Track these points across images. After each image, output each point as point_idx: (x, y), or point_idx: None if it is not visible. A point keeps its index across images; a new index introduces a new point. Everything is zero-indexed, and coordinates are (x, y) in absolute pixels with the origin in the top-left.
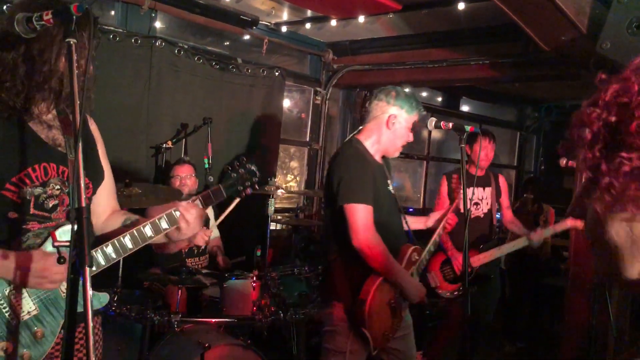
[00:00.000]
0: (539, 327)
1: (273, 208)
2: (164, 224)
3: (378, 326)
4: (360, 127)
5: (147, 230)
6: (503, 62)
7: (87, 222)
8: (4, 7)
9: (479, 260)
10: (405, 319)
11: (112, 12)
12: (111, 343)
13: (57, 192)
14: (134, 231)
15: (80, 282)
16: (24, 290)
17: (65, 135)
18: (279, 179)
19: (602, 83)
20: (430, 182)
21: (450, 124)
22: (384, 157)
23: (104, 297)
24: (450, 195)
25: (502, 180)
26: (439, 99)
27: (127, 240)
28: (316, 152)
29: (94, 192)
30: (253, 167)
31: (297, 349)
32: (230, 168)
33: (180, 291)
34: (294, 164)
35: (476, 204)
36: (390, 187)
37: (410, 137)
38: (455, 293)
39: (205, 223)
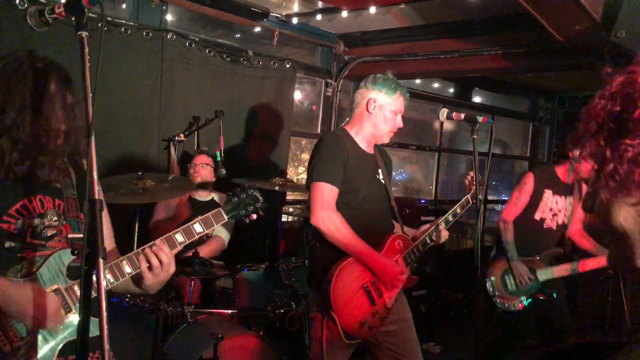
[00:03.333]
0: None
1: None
2: (127, 269)
3: (352, 312)
4: (347, 119)
5: (108, 277)
6: (516, 52)
7: (100, 215)
8: (16, 0)
9: (545, 275)
10: (397, 310)
11: (123, 6)
12: (125, 334)
13: (55, 223)
14: (112, 265)
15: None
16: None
17: (60, 173)
18: (290, 171)
19: (608, 76)
20: (442, 173)
21: (462, 115)
22: (378, 147)
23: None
24: (535, 196)
25: (584, 189)
26: (451, 90)
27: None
28: None
29: None
30: (256, 193)
31: (309, 339)
32: (231, 193)
33: (193, 282)
34: (305, 156)
35: (554, 214)
36: (381, 177)
37: (399, 123)
38: (514, 307)
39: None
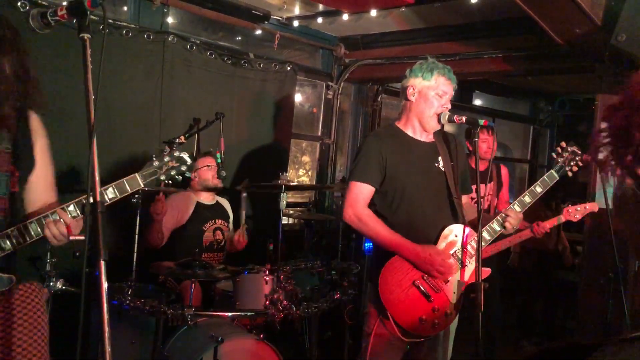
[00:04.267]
0: (553, 323)
1: (285, 202)
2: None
3: (407, 309)
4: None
5: (33, 226)
6: (516, 56)
7: (102, 217)
8: (18, 3)
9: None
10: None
11: (125, 8)
12: (125, 337)
13: None
14: (20, 226)
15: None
16: None
17: None
18: (290, 174)
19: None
20: None
21: (464, 118)
22: (442, 133)
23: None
24: None
25: (504, 172)
26: None
27: (13, 234)
28: (328, 147)
29: (24, 182)
30: (183, 155)
31: (310, 342)
32: (154, 156)
33: (193, 285)
34: (305, 158)
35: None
36: (440, 165)
37: (445, 103)
38: None
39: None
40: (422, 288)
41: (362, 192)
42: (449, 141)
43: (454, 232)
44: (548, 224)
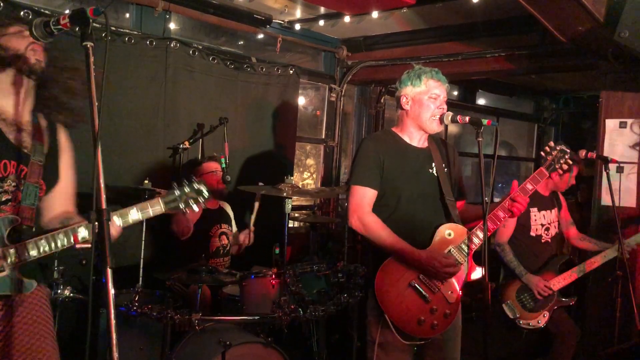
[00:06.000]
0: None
1: (290, 206)
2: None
3: (405, 311)
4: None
5: (61, 237)
6: (519, 54)
7: (108, 224)
8: (21, 12)
9: (558, 282)
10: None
11: (127, 15)
12: (133, 343)
13: (13, 189)
14: (49, 236)
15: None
16: None
17: (34, 139)
18: (295, 177)
19: None
20: None
21: (467, 118)
22: (435, 139)
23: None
24: (523, 218)
25: (561, 197)
26: (455, 92)
27: (41, 243)
28: (332, 149)
29: (46, 193)
30: (201, 187)
31: (318, 346)
32: (176, 185)
33: (200, 290)
34: (310, 161)
35: (547, 228)
36: (434, 171)
37: (441, 105)
38: (539, 323)
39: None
40: (419, 289)
41: (365, 196)
42: (444, 148)
43: (448, 231)
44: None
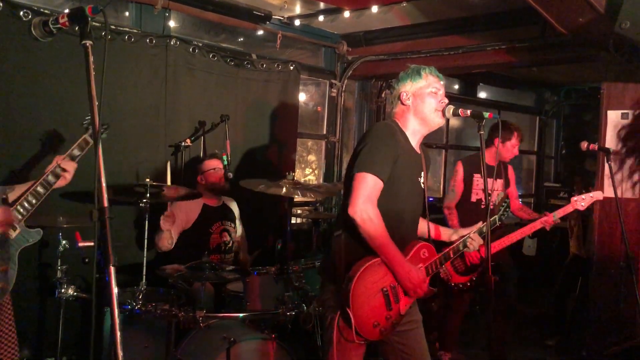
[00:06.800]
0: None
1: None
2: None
3: (366, 313)
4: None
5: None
6: (520, 47)
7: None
8: (21, 12)
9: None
10: (409, 314)
11: (127, 13)
12: (138, 341)
13: None
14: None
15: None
16: None
17: None
18: (297, 173)
19: None
20: (450, 170)
21: (469, 111)
22: (422, 148)
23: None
24: (465, 180)
25: (510, 170)
26: (456, 86)
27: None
28: (334, 145)
29: None
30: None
31: (321, 341)
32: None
33: (204, 287)
34: (311, 157)
35: (488, 194)
36: (422, 180)
37: (441, 98)
38: (468, 284)
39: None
40: (387, 295)
41: (375, 187)
42: (426, 157)
43: (423, 250)
44: (557, 214)
